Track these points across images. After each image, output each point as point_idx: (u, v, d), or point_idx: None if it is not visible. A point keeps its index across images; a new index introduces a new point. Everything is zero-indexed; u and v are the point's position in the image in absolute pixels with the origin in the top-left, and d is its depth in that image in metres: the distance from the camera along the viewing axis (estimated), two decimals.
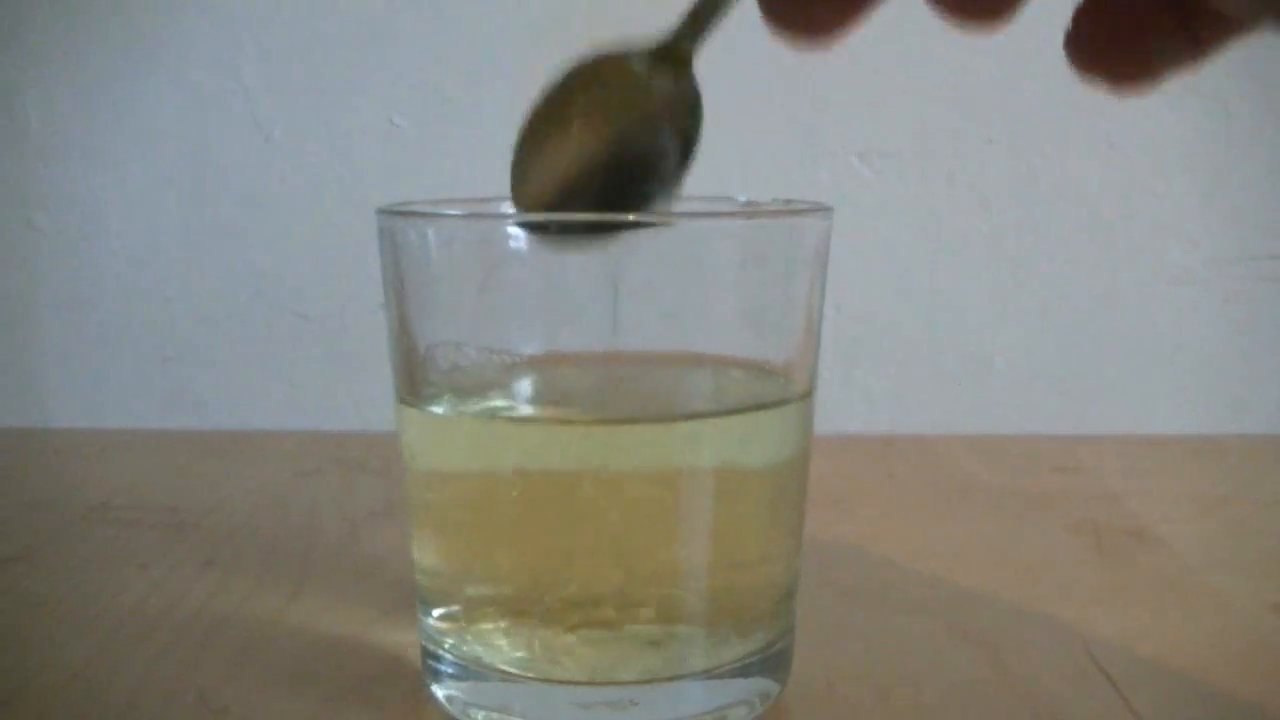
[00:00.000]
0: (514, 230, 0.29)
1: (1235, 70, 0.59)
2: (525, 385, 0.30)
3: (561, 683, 0.29)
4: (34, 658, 0.35)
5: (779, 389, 0.31)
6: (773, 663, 0.32)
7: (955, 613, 0.38)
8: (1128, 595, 0.40)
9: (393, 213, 0.30)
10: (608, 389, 0.31)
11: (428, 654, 0.32)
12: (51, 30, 0.61)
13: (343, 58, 0.61)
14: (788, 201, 0.33)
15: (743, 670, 0.31)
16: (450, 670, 0.31)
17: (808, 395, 0.32)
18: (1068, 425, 0.63)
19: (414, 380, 0.31)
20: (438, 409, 0.30)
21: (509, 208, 0.29)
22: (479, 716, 0.30)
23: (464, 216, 0.32)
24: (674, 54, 0.27)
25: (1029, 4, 0.22)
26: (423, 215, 0.30)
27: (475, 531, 0.30)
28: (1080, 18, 0.22)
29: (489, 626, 0.31)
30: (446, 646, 0.31)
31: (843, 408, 0.63)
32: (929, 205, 0.61)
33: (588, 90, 0.27)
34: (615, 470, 0.29)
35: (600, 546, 0.29)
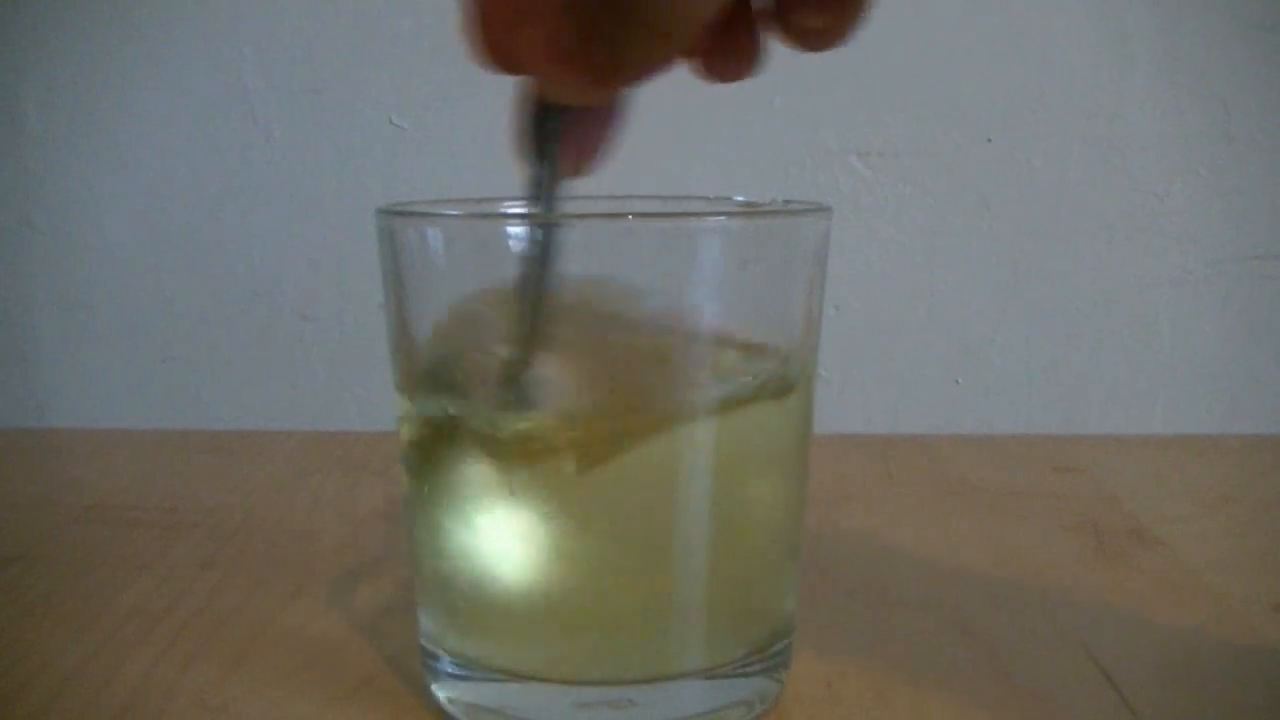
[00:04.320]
0: (514, 230, 0.29)
1: (1235, 70, 0.59)
2: (524, 384, 0.30)
3: (561, 683, 0.29)
4: (34, 658, 0.35)
5: (778, 388, 0.31)
6: (772, 663, 0.32)
7: (955, 612, 0.38)
8: (1128, 595, 0.40)
9: (393, 213, 0.30)
10: (606, 387, 0.31)
11: (428, 654, 0.32)
12: (51, 30, 0.61)
13: (343, 58, 0.61)
14: (787, 201, 0.33)
15: (742, 670, 0.31)
16: (450, 670, 0.31)
17: (807, 395, 0.32)
18: (1068, 425, 0.63)
19: (413, 379, 0.31)
20: (437, 408, 0.30)
21: (509, 207, 0.29)
22: (479, 717, 0.30)
23: (464, 216, 0.32)
24: None
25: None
26: (423, 215, 0.30)
27: (474, 531, 0.30)
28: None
29: (489, 627, 0.31)
30: (446, 646, 0.31)
31: (843, 408, 0.63)
32: (929, 205, 0.61)
33: None
34: (614, 468, 0.29)
35: (599, 545, 0.29)
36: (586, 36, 0.23)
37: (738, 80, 0.26)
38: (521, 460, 0.29)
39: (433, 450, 0.31)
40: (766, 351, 0.30)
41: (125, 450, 0.60)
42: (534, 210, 0.28)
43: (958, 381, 0.63)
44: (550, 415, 0.29)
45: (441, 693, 0.32)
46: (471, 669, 0.31)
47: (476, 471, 0.30)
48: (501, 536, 0.30)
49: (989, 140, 0.60)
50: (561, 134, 0.27)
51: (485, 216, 0.33)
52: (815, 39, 0.25)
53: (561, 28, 0.23)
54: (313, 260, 0.63)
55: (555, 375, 0.30)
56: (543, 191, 0.28)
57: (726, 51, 0.26)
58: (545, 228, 0.28)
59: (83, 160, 0.62)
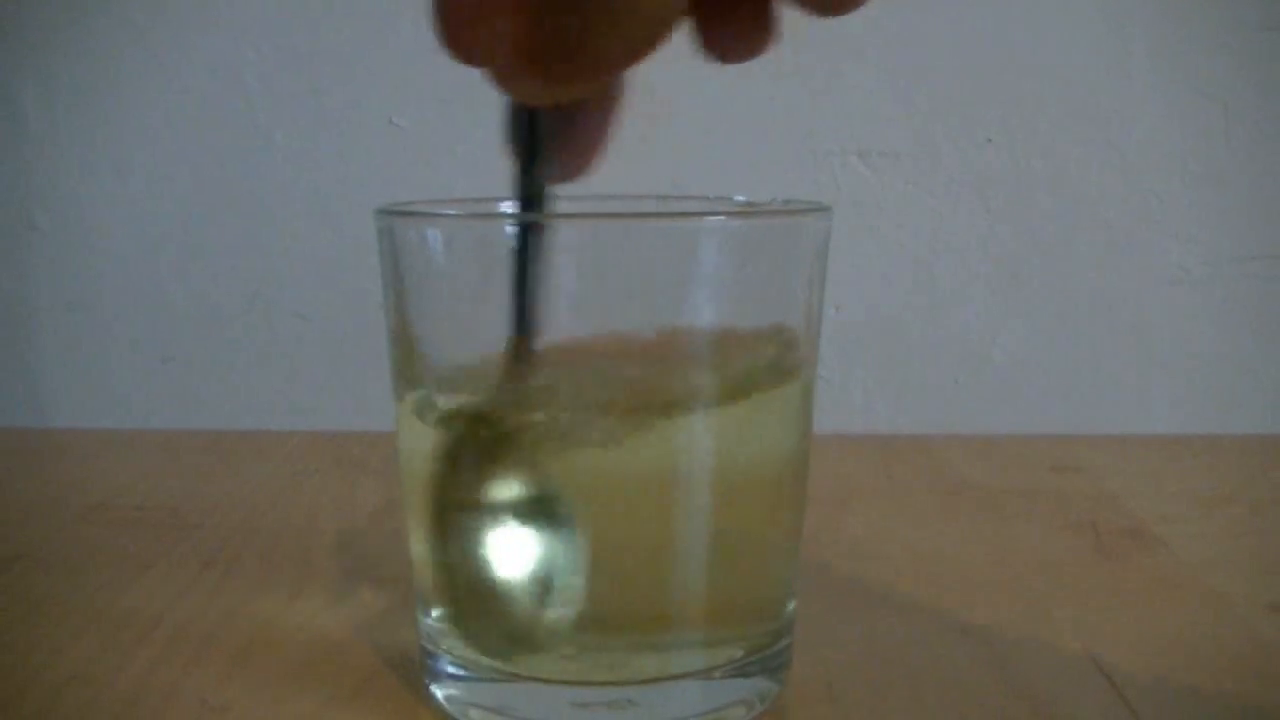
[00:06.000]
0: (514, 230, 0.29)
1: (1235, 70, 0.59)
2: (523, 384, 0.30)
3: (561, 683, 0.29)
4: (34, 658, 0.35)
5: (778, 389, 0.31)
6: (772, 663, 0.32)
7: (955, 613, 0.38)
8: (1127, 595, 0.40)
9: (392, 213, 0.30)
10: (606, 387, 0.31)
11: (428, 654, 0.32)
12: (51, 30, 0.61)
13: (343, 58, 0.61)
14: (787, 201, 0.33)
15: (742, 670, 0.31)
16: (450, 670, 0.31)
17: (807, 394, 0.32)
18: (1067, 425, 0.63)
19: (413, 380, 0.31)
20: (436, 408, 0.30)
21: (509, 208, 0.29)
22: (479, 716, 0.30)
23: (463, 216, 0.32)
24: None
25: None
26: (422, 215, 0.30)
27: (473, 531, 0.30)
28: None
29: (488, 627, 0.31)
30: (446, 646, 0.31)
31: (843, 408, 0.63)
32: (929, 205, 0.61)
33: None
34: (614, 468, 0.29)
35: (599, 544, 0.29)
36: (544, 34, 0.21)
37: (742, 61, 0.25)
38: (522, 458, 0.29)
39: (432, 450, 0.31)
40: (768, 338, 0.30)
41: (125, 450, 0.60)
42: (534, 211, 0.28)
43: (957, 381, 0.63)
44: (549, 414, 0.29)
45: (441, 693, 0.32)
46: (471, 669, 0.31)
47: (476, 471, 0.30)
48: (501, 535, 0.30)
49: (989, 140, 0.60)
50: (549, 134, 0.26)
51: (485, 216, 0.33)
52: (832, 3, 0.23)
53: (518, 23, 0.21)
54: (313, 260, 0.63)
55: (555, 374, 0.30)
56: (526, 192, 0.27)
57: (730, 28, 0.24)
58: (534, 227, 0.27)
59: (84, 160, 0.62)
